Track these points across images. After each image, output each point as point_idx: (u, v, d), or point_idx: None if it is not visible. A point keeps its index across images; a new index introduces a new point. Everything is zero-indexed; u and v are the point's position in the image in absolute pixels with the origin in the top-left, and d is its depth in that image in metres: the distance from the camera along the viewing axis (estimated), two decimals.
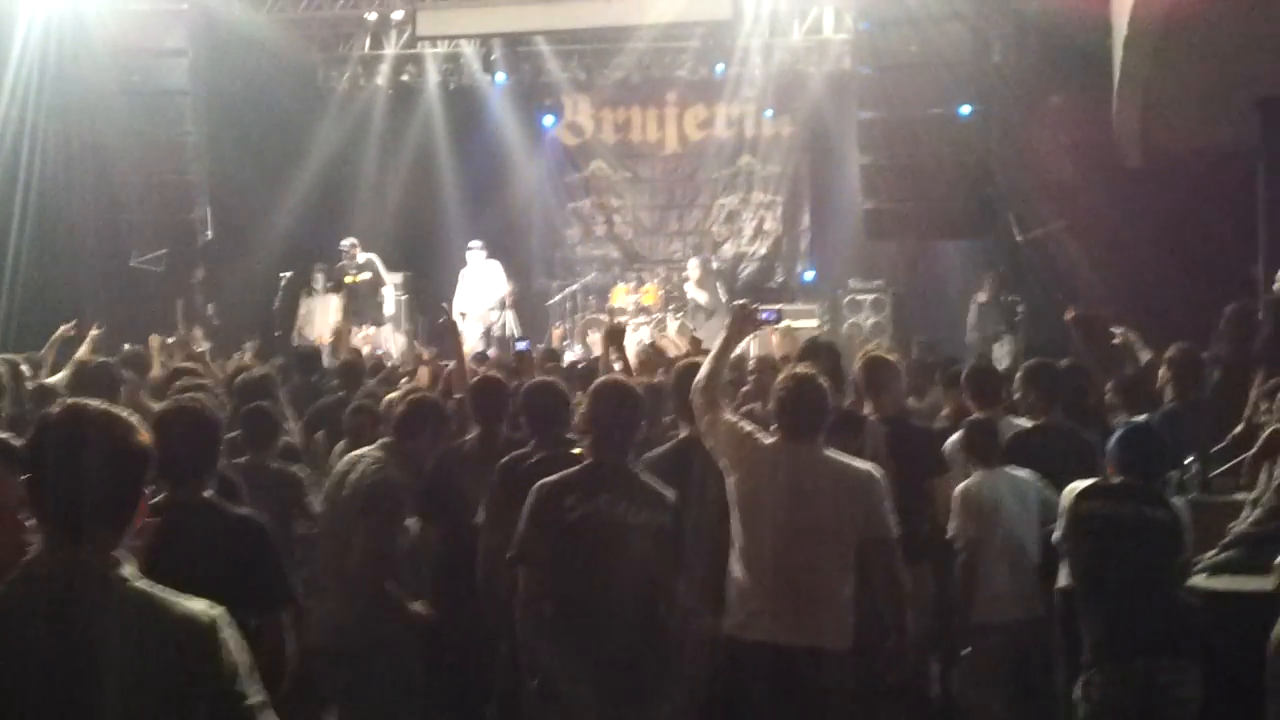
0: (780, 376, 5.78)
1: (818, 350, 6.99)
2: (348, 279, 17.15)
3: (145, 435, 3.06)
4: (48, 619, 2.85)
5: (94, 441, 2.95)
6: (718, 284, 18.29)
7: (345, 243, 17.38)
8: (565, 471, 5.36)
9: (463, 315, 16.59)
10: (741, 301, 6.63)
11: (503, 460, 6.26)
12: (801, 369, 5.81)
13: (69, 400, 3.17)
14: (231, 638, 2.98)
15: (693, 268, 18.34)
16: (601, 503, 5.16)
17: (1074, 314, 10.71)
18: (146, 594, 2.94)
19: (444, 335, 8.22)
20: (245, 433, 6.79)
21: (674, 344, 14.54)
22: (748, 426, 5.67)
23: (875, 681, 5.60)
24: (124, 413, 3.09)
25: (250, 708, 2.98)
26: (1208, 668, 5.65)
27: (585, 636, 5.11)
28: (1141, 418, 6.53)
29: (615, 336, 8.45)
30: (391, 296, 17.97)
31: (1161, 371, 8.31)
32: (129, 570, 2.95)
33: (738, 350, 6.51)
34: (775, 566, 5.39)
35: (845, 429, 6.21)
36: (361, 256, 17.33)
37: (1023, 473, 6.76)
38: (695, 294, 17.89)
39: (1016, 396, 7.86)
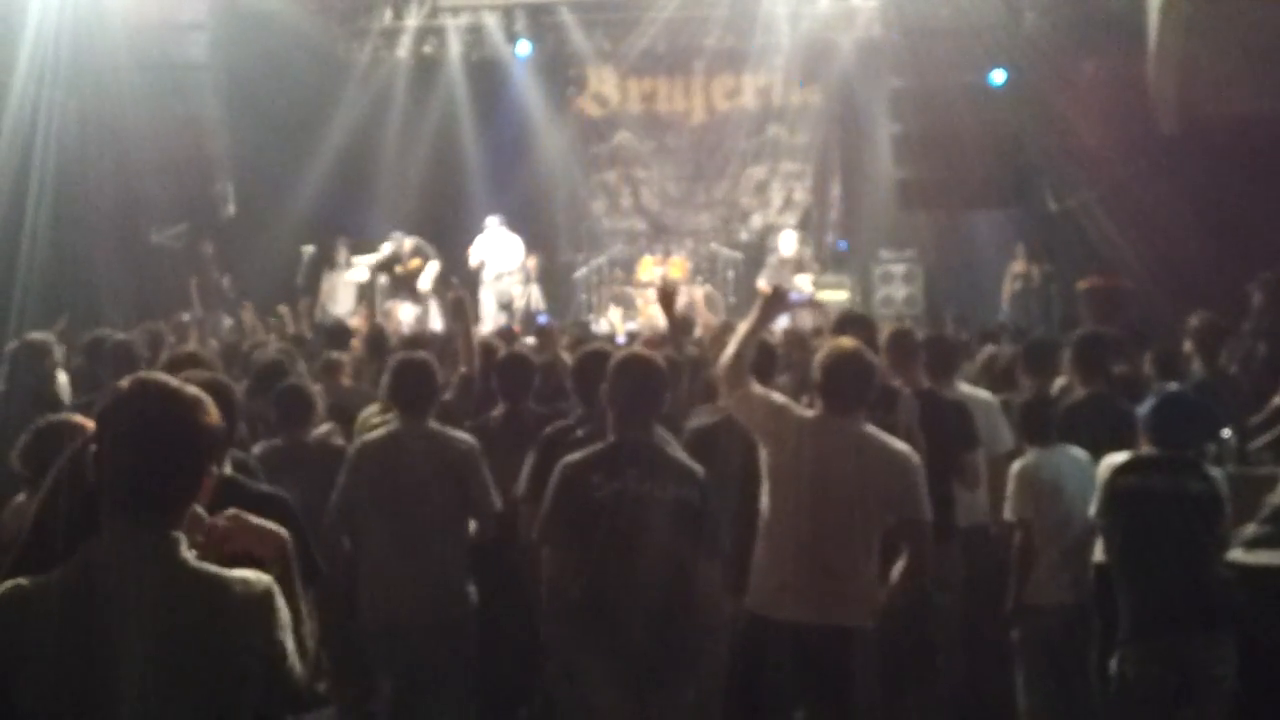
0: (825, 349, 5.68)
1: (852, 323, 6.83)
2: (398, 269, 16.97)
3: (212, 414, 3.02)
4: (105, 602, 2.83)
5: (156, 419, 2.92)
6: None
7: (395, 236, 17.18)
8: (590, 449, 5.30)
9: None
10: (774, 284, 6.56)
11: (546, 431, 6.25)
12: (847, 341, 5.70)
13: (140, 374, 3.14)
14: (282, 609, 2.98)
15: (787, 243, 18.07)
16: (629, 479, 5.09)
17: (1088, 283, 10.54)
18: (204, 573, 2.92)
19: (454, 310, 8.06)
20: (280, 412, 6.73)
21: (703, 314, 14.38)
22: (781, 398, 5.60)
23: (902, 661, 5.49)
24: (190, 389, 3.04)
25: (297, 680, 3.02)
26: (1243, 643, 5.60)
27: (612, 616, 5.05)
28: (1173, 386, 6.34)
29: (668, 297, 8.13)
30: (433, 274, 17.71)
31: (1186, 343, 8.11)
32: (185, 551, 2.92)
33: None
34: (803, 541, 5.31)
35: (879, 402, 6.08)
36: (408, 242, 17.13)
37: (1079, 451, 6.57)
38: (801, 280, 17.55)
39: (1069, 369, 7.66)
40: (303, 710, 3.16)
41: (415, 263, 17.00)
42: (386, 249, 17.17)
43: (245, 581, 2.93)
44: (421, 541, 5.91)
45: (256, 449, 6.35)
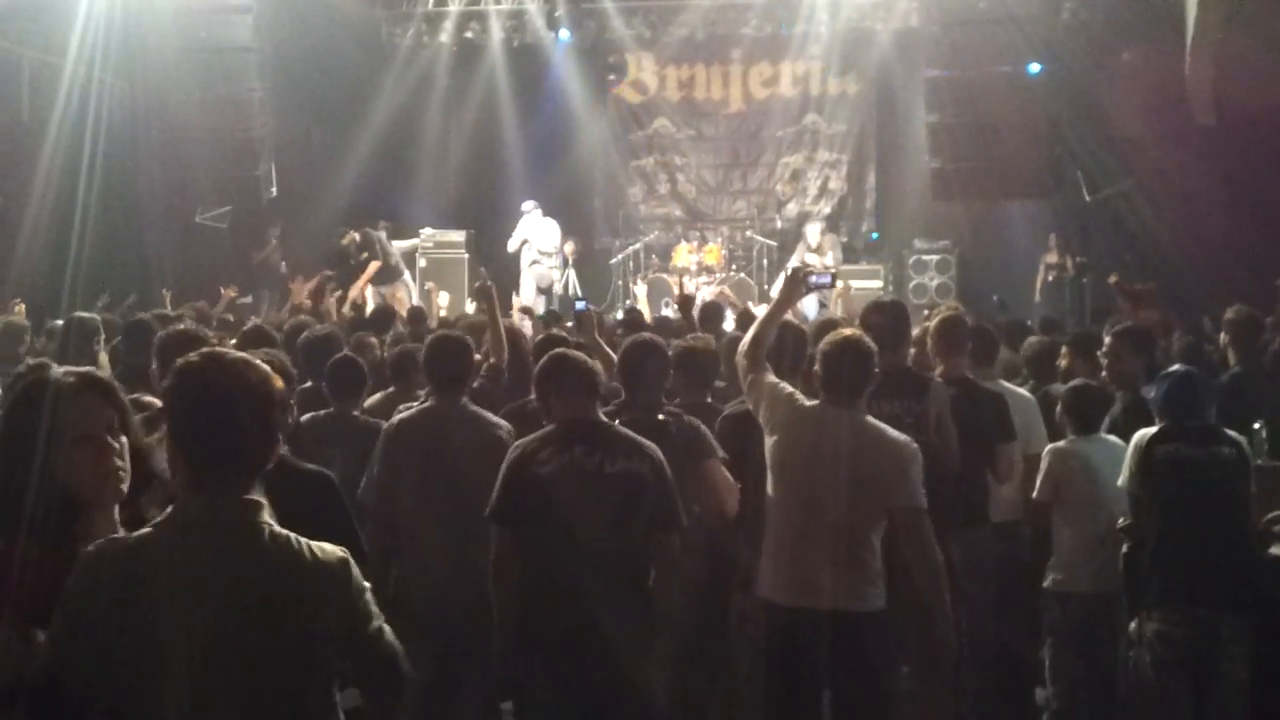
0: (827, 337, 5.69)
1: (883, 308, 6.83)
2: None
3: (280, 381, 3.16)
4: (201, 563, 2.94)
5: (234, 388, 3.01)
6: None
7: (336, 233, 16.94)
8: (542, 430, 5.30)
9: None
10: (795, 265, 6.59)
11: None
12: (849, 331, 5.75)
13: (205, 349, 3.23)
14: (359, 579, 3.12)
15: (813, 233, 18.14)
16: (576, 454, 5.09)
17: (1117, 279, 10.61)
18: (288, 538, 3.05)
19: (481, 300, 8.14)
20: (332, 384, 6.78)
21: (733, 301, 14.48)
22: (788, 388, 5.63)
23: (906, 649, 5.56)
24: (258, 361, 3.15)
25: (388, 645, 3.18)
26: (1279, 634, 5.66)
27: (561, 591, 5.04)
28: (1177, 367, 6.37)
29: (686, 304, 8.40)
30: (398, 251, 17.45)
31: (1222, 335, 8.16)
32: (268, 515, 3.06)
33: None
34: (804, 529, 5.38)
35: (909, 390, 6.13)
36: (355, 235, 16.75)
37: (1116, 441, 6.58)
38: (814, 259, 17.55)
39: (1106, 361, 7.72)
40: (401, 679, 3.24)
41: (364, 255, 16.79)
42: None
43: (322, 549, 3.07)
44: (459, 521, 5.86)
45: (303, 419, 6.37)
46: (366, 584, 3.13)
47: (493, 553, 5.23)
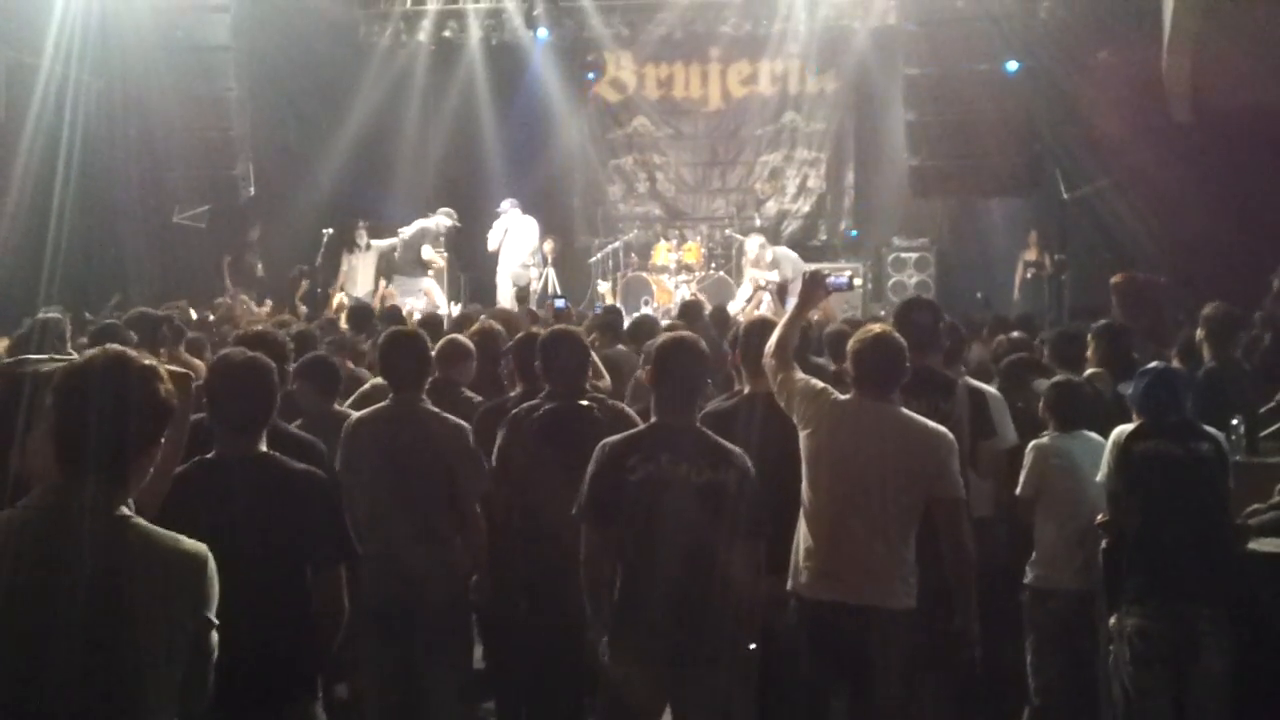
0: (858, 333, 5.72)
1: (925, 307, 6.79)
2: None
3: (165, 388, 3.13)
4: (38, 548, 2.99)
5: (110, 387, 3.04)
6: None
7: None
8: (630, 431, 5.33)
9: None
10: (814, 269, 6.61)
11: (513, 412, 6.24)
12: (878, 326, 5.79)
13: (105, 346, 3.26)
14: (214, 583, 3.11)
15: (752, 246, 18.00)
16: (663, 462, 5.07)
17: (1120, 279, 10.59)
18: (142, 529, 3.06)
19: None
20: (309, 384, 6.70)
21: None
22: (820, 383, 5.64)
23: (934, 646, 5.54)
24: (148, 362, 3.17)
25: (210, 652, 3.12)
26: (1258, 628, 5.70)
27: (644, 597, 5.07)
28: (1155, 364, 6.38)
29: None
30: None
31: (1198, 331, 8.18)
32: (127, 510, 3.07)
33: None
34: (844, 524, 5.36)
35: (937, 391, 6.13)
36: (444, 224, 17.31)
37: (1097, 438, 6.56)
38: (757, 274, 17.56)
39: (1088, 354, 7.72)
40: (202, 700, 3.18)
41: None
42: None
43: (184, 542, 3.09)
44: (416, 521, 5.93)
45: (296, 424, 6.28)
46: (216, 592, 3.12)
47: (582, 552, 5.21)
